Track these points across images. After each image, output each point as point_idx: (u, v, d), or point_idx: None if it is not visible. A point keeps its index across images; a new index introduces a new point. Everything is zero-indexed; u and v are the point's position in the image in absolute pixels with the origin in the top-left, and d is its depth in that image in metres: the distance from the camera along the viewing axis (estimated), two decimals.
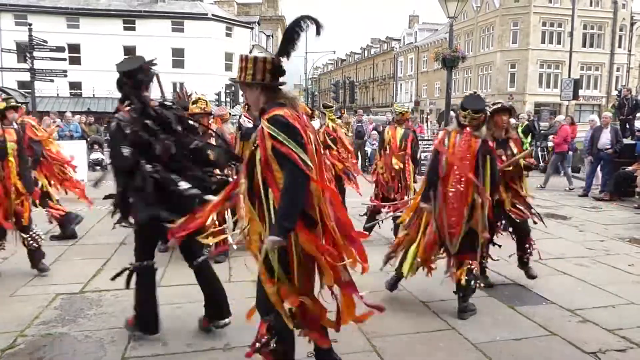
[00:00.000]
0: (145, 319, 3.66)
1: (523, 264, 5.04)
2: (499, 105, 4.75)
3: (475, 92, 4.47)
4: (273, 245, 2.50)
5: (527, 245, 4.99)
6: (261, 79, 2.64)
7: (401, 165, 6.34)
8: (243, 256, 3.57)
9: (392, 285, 4.59)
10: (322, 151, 2.90)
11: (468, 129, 4.10)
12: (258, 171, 2.61)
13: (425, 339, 3.79)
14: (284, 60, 2.69)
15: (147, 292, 3.64)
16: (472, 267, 4.12)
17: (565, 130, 12.32)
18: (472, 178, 4.01)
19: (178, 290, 4.60)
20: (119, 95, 3.55)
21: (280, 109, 2.59)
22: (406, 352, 3.58)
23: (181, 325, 3.91)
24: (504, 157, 4.71)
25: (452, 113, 13.68)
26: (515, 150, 4.78)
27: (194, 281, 3.76)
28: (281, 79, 2.72)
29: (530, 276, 5.00)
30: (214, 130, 4.89)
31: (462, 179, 4.06)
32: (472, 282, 4.13)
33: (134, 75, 3.47)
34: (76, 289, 4.80)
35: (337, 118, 9.46)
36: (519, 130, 12.65)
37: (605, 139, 10.59)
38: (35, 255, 5.17)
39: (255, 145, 2.63)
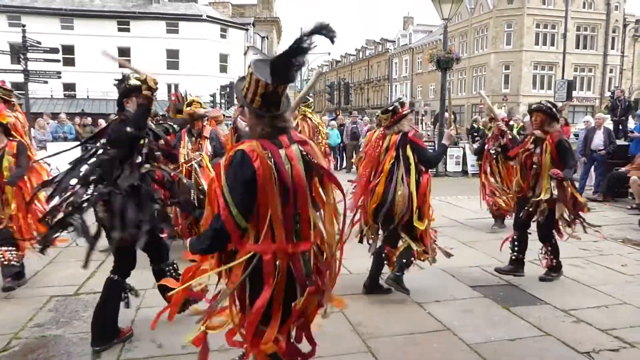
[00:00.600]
0: (107, 330, 3.65)
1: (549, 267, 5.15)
2: (535, 105, 5.07)
3: (400, 98, 4.97)
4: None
5: (543, 250, 5.15)
6: (250, 100, 2.29)
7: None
8: None
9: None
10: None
11: (382, 128, 4.67)
12: None
13: (421, 340, 3.80)
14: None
15: (111, 305, 3.64)
16: (408, 247, 4.43)
17: None
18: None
19: None
20: (113, 96, 3.57)
21: (249, 142, 2.30)
22: (401, 353, 3.59)
23: (176, 327, 3.90)
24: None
25: (447, 114, 13.72)
26: (546, 152, 4.87)
27: None
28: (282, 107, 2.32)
29: (542, 278, 5.13)
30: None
31: (375, 171, 4.56)
32: (404, 259, 4.41)
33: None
34: (71, 291, 4.80)
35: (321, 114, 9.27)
36: (515, 130, 12.67)
37: (598, 140, 10.62)
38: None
39: None
